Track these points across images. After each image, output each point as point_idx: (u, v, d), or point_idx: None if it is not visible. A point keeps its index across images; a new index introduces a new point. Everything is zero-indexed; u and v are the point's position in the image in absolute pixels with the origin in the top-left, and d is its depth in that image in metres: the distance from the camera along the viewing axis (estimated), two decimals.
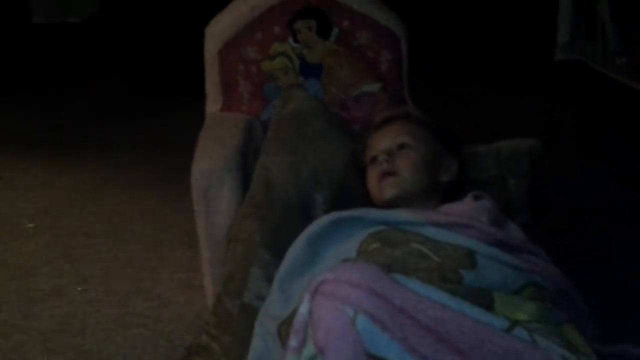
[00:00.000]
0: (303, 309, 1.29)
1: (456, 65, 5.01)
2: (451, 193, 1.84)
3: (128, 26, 5.14)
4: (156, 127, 4.00)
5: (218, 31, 2.31)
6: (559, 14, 4.99)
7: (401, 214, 1.66)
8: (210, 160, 1.98)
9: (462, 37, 5.52)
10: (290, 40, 2.29)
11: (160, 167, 3.45)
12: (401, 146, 1.83)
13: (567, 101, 4.26)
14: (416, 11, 5.12)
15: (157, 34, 4.94)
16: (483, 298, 1.42)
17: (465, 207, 1.72)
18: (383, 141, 1.86)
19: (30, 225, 2.92)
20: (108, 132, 3.97)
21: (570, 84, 4.59)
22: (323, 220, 1.69)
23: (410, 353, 1.23)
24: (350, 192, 1.91)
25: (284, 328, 1.56)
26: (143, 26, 5.06)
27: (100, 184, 3.31)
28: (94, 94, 4.59)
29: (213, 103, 2.36)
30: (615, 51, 4.45)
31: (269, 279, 1.73)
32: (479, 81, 4.67)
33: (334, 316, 1.24)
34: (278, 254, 1.74)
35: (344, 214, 1.68)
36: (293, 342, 1.29)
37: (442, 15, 5.74)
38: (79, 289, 2.46)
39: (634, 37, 4.23)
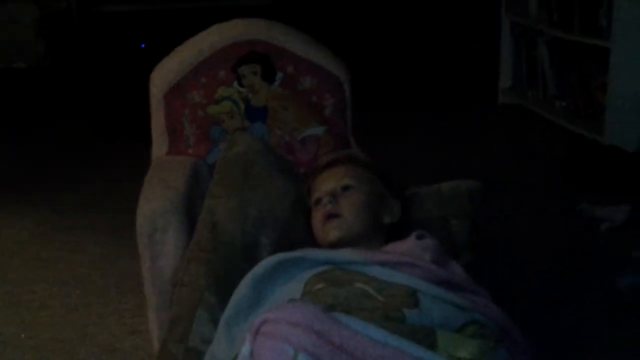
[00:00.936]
0: (245, 350, 1.29)
1: (400, 108, 5.09)
2: (395, 233, 1.86)
3: (74, 72, 5.12)
4: (102, 172, 3.98)
5: (163, 76, 2.33)
6: (501, 59, 5.12)
7: (346, 254, 1.67)
8: (155, 204, 1.98)
9: (407, 80, 5.62)
10: (235, 84, 2.32)
11: (106, 211, 3.43)
12: (345, 188, 1.85)
13: (509, 144, 4.36)
14: (359, 55, 5.23)
15: (104, 79, 4.94)
16: (426, 336, 1.43)
17: (408, 246, 1.74)
18: (327, 183, 1.88)
19: None
20: (53, 176, 3.94)
21: (512, 127, 4.69)
22: (268, 262, 1.70)
23: None
24: (296, 234, 1.92)
25: None
26: (89, 72, 5.06)
27: (45, 230, 3.27)
28: (38, 140, 4.55)
29: (159, 147, 2.36)
30: (554, 95, 4.57)
31: (215, 322, 1.72)
32: (424, 123, 4.75)
33: (275, 355, 1.24)
34: (224, 297, 1.74)
35: (289, 255, 1.69)
36: None
37: (387, 59, 5.83)
38: (23, 335, 2.41)
39: (573, 81, 4.36)
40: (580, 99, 4.29)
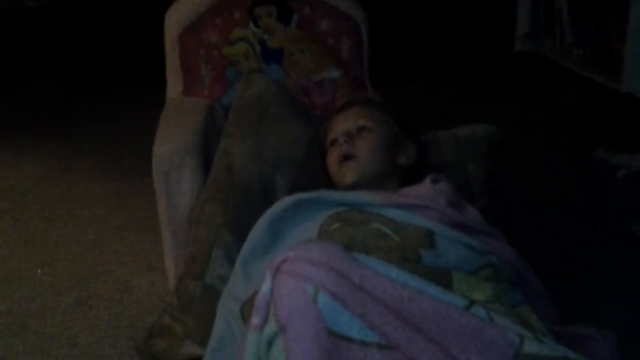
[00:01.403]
0: (265, 287, 1.30)
1: (417, 55, 5.05)
2: (410, 177, 1.86)
3: (88, 12, 5.09)
4: (118, 112, 3.98)
5: (178, 16, 2.31)
6: (518, 7, 5.06)
7: (362, 196, 1.68)
8: (171, 143, 1.98)
9: (423, 27, 5.56)
10: (251, 25, 2.30)
11: (122, 150, 3.44)
12: (361, 129, 1.85)
13: (525, 91, 4.33)
14: None
15: (117, 18, 4.90)
16: (441, 277, 1.44)
17: (423, 190, 1.74)
18: (343, 124, 1.88)
19: None
20: (70, 117, 3.94)
21: (529, 74, 4.65)
22: (284, 202, 1.70)
23: (371, 330, 1.25)
24: (312, 175, 1.92)
25: (247, 309, 1.58)
26: (103, 12, 5.02)
27: (62, 168, 3.29)
28: (53, 83, 4.53)
29: (174, 88, 2.36)
30: (572, 43, 4.52)
31: (231, 261, 1.74)
32: (440, 70, 4.71)
33: (295, 294, 1.25)
34: (240, 236, 1.75)
35: (305, 195, 1.70)
36: (255, 319, 1.30)
37: (404, 4, 5.76)
38: (39, 271, 2.44)
39: (591, 30, 4.30)
40: (598, 48, 4.24)
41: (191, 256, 1.80)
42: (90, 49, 5.03)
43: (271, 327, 1.27)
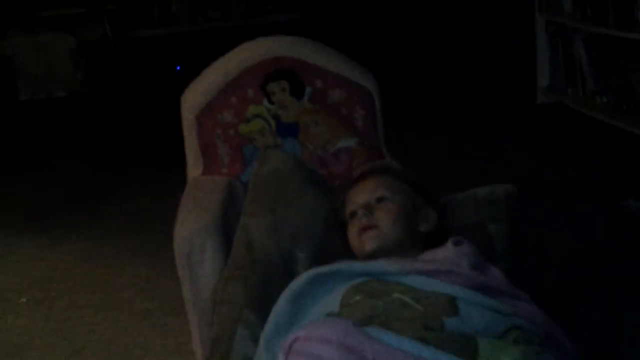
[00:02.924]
0: None
1: (437, 110, 5.07)
2: (432, 241, 1.85)
3: (112, 99, 5.22)
4: (143, 195, 4.02)
5: (193, 98, 2.35)
6: (537, 59, 5.07)
7: (382, 265, 1.66)
8: (191, 225, 1.99)
9: (445, 85, 5.59)
10: (265, 101, 2.33)
11: (147, 234, 3.46)
12: (380, 200, 1.85)
13: (550, 143, 4.30)
14: (395, 63, 5.21)
15: (141, 103, 5.01)
16: (467, 344, 1.41)
17: (445, 253, 1.72)
18: (362, 196, 1.87)
19: (22, 300, 2.92)
20: (96, 202, 3.99)
21: (553, 126, 4.63)
22: (305, 277, 1.69)
23: None
24: (331, 247, 1.91)
25: None
26: (127, 96, 5.14)
27: (90, 254, 3.32)
28: (80, 166, 4.63)
29: (194, 168, 2.38)
30: (594, 91, 4.51)
31: (256, 340, 1.72)
32: (462, 124, 4.71)
33: None
34: (263, 314, 1.74)
35: (326, 268, 1.69)
36: None
37: (423, 65, 5.81)
38: None
39: (612, 76, 4.29)
40: (620, 94, 4.23)
41: (215, 337, 1.79)
42: (118, 131, 5.12)
43: None
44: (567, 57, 4.77)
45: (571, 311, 2.37)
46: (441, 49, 5.91)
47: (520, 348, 1.46)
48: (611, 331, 2.34)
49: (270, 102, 2.33)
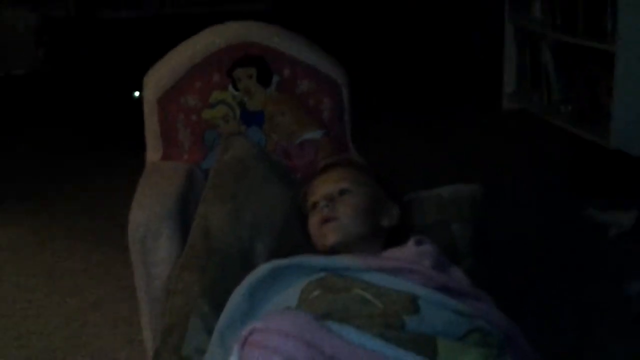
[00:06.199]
0: None
1: (402, 114, 5.05)
2: (393, 238, 1.81)
3: (73, 78, 5.12)
4: (98, 178, 3.95)
5: (156, 80, 2.28)
6: (504, 64, 5.08)
7: (343, 260, 1.62)
8: (147, 210, 1.93)
9: (410, 86, 5.58)
10: (231, 87, 2.27)
11: (102, 218, 3.39)
12: (342, 192, 1.80)
13: (514, 148, 4.30)
14: (360, 60, 5.19)
15: (102, 85, 4.93)
16: (426, 344, 1.38)
17: (407, 252, 1.69)
18: (324, 187, 1.83)
19: None
20: (49, 184, 3.91)
21: (517, 132, 4.64)
22: (263, 269, 1.64)
23: None
24: (292, 240, 1.87)
25: None
26: (88, 77, 5.06)
27: (40, 237, 3.23)
28: (35, 146, 4.53)
29: (153, 152, 2.32)
30: (559, 100, 4.52)
31: (209, 331, 1.67)
32: (425, 128, 4.70)
33: None
34: (218, 305, 1.69)
35: (284, 261, 1.64)
36: None
37: (389, 64, 5.80)
38: (15, 344, 2.37)
39: (578, 85, 4.30)
40: (585, 103, 4.24)
41: (167, 327, 1.73)
42: (76, 113, 5.03)
43: None
44: (535, 64, 4.78)
45: (531, 313, 2.35)
46: (408, 50, 5.91)
47: (480, 350, 1.44)
48: (572, 333, 2.33)
49: (236, 88, 2.27)
